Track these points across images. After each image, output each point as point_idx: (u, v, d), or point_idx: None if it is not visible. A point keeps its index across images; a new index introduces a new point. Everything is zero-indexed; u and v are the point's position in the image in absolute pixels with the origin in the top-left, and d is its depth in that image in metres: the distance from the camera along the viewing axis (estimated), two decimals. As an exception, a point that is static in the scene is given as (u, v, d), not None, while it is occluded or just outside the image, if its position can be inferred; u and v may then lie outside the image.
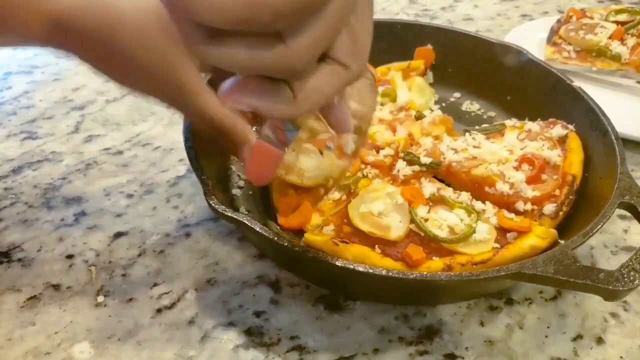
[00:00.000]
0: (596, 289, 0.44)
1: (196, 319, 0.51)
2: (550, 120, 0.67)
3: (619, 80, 0.85)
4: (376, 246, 0.51)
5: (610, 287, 0.43)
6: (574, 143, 0.63)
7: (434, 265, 0.50)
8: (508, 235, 0.53)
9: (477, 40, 0.78)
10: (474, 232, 0.52)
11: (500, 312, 0.53)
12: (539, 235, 0.52)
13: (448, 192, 0.58)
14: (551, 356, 0.49)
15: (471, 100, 0.79)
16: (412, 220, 0.53)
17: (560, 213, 0.57)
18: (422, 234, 0.52)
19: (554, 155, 0.61)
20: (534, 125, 0.66)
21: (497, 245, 0.52)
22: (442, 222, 0.53)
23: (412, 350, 0.49)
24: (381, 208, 0.53)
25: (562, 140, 0.64)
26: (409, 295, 0.53)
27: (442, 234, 0.52)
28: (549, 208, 0.57)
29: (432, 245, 0.52)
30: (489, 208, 0.56)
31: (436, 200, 0.56)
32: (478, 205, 0.56)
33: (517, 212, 0.57)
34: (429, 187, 0.58)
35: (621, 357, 0.49)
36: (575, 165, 0.61)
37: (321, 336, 0.50)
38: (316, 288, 0.54)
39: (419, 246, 0.51)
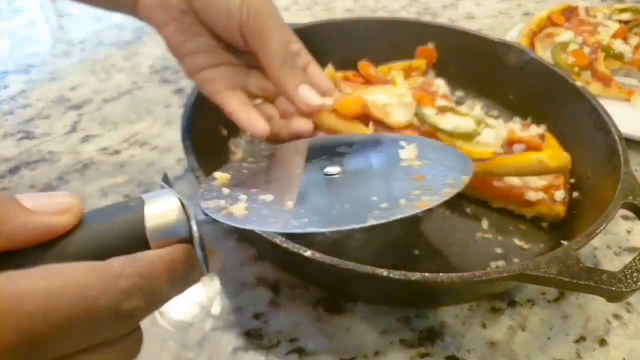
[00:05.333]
0: (599, 290, 0.43)
1: (194, 320, 0.51)
2: (524, 122, 0.69)
3: (621, 79, 0.84)
4: (370, 123, 0.50)
5: (614, 288, 0.43)
6: (552, 140, 0.65)
7: None
8: (515, 146, 0.52)
9: (478, 39, 0.78)
10: (479, 134, 0.49)
11: (503, 314, 0.52)
12: (549, 156, 0.51)
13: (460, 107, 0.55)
14: (554, 358, 0.49)
15: (473, 99, 0.79)
16: (417, 115, 0.51)
17: (566, 200, 0.59)
18: (423, 128, 0.49)
19: None
20: (515, 126, 0.67)
21: (502, 151, 0.51)
22: (448, 122, 0.51)
23: (414, 353, 0.49)
24: (386, 101, 0.52)
25: (541, 138, 0.65)
26: (410, 296, 0.53)
27: (447, 127, 0.50)
28: (559, 194, 0.58)
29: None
30: (500, 124, 0.54)
31: (446, 110, 0.54)
32: (490, 120, 0.54)
33: (529, 203, 0.58)
34: (441, 102, 0.55)
35: (624, 358, 0.49)
36: None
37: (321, 338, 0.50)
38: (316, 290, 0.54)
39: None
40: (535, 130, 0.66)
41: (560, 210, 0.59)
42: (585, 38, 0.85)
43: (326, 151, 0.40)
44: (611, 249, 0.60)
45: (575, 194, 0.61)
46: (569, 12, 0.91)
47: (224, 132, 0.69)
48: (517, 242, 0.58)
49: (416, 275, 0.46)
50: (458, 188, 0.31)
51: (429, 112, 0.52)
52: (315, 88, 0.51)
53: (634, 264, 0.44)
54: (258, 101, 0.55)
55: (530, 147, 0.53)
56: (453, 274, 0.47)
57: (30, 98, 0.83)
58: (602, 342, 0.50)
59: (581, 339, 0.50)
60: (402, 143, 0.38)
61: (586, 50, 0.82)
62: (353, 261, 0.45)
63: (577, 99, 0.67)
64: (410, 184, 0.32)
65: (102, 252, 0.25)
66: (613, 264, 0.58)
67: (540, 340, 0.50)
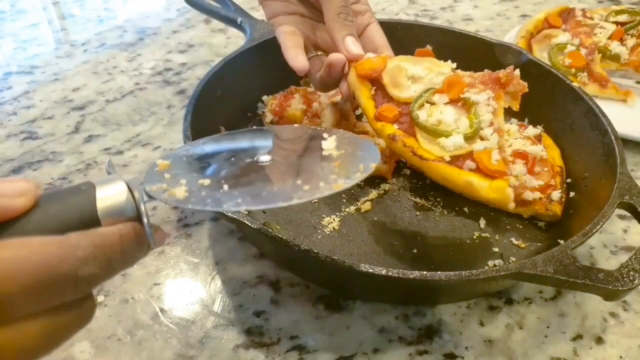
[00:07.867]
0: (596, 288, 0.44)
1: (196, 318, 0.51)
2: (521, 123, 0.71)
3: (618, 80, 0.85)
4: (374, 88, 0.54)
5: (610, 287, 0.43)
6: (548, 140, 0.68)
7: (386, 128, 0.54)
8: (466, 162, 0.54)
9: (476, 41, 0.78)
10: (446, 137, 0.52)
11: (500, 312, 0.53)
12: (491, 186, 0.53)
13: (484, 107, 0.57)
14: (551, 356, 0.49)
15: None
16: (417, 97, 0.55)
17: (562, 199, 0.60)
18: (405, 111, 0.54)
19: (539, 150, 0.63)
20: (512, 127, 0.68)
21: (448, 159, 0.54)
22: (440, 115, 0.54)
23: (412, 350, 0.49)
24: (418, 73, 0.54)
25: (538, 139, 0.67)
26: (409, 294, 0.54)
27: (424, 118, 0.53)
28: (556, 194, 0.60)
29: (412, 123, 0.54)
30: (493, 140, 0.56)
31: (465, 104, 0.56)
32: (487, 131, 0.56)
33: (526, 203, 0.59)
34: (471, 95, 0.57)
35: (621, 356, 0.49)
36: (557, 158, 0.65)
37: (321, 336, 0.50)
38: (316, 288, 0.54)
39: (406, 124, 0.53)
40: (532, 131, 0.67)
41: (557, 209, 0.59)
42: (582, 40, 0.85)
43: (259, 141, 0.45)
44: (608, 248, 0.60)
45: (572, 194, 0.62)
46: (566, 14, 0.92)
47: (224, 132, 0.70)
48: (514, 241, 0.59)
49: (414, 274, 0.46)
50: (367, 173, 0.36)
51: (440, 98, 0.54)
52: (370, 44, 0.63)
53: (630, 263, 0.45)
54: (320, 53, 0.65)
55: (482, 170, 0.53)
56: (451, 273, 0.47)
57: (33, 99, 0.84)
58: (599, 340, 0.51)
59: (578, 337, 0.51)
60: (324, 135, 0.43)
61: (583, 51, 0.83)
62: (352, 260, 0.45)
63: (574, 99, 0.68)
64: (329, 170, 0.37)
65: (58, 230, 0.28)
66: (610, 263, 0.58)
67: (538, 338, 0.51)
